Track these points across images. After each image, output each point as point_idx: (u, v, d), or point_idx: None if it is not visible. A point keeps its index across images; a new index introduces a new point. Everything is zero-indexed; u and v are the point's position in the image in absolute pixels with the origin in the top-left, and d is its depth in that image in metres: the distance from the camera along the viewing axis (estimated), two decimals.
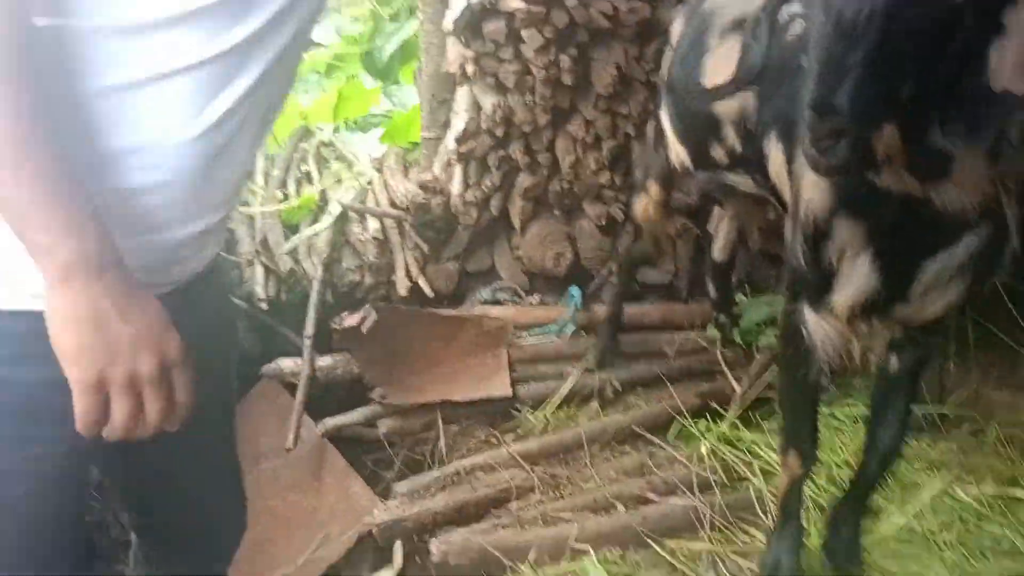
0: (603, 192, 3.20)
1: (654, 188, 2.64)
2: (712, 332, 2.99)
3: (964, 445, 2.34)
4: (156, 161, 1.06)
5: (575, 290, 3.10)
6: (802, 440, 1.87)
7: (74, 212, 0.95)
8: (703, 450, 2.41)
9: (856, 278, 1.56)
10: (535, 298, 3.23)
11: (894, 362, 1.81)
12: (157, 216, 1.10)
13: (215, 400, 1.38)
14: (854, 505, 2.00)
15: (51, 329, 0.96)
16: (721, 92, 1.72)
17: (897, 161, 1.32)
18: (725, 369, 2.83)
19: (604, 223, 3.19)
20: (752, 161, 1.96)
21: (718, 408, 2.66)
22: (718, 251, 2.96)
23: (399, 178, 3.34)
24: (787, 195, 1.80)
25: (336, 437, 2.67)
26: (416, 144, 3.65)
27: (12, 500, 1.16)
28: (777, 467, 2.15)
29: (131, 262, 1.02)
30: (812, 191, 1.58)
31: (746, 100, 1.89)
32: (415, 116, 3.68)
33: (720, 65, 2.00)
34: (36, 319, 0.97)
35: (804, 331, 1.70)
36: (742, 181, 2.12)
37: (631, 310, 3.05)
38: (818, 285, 1.64)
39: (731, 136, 2.02)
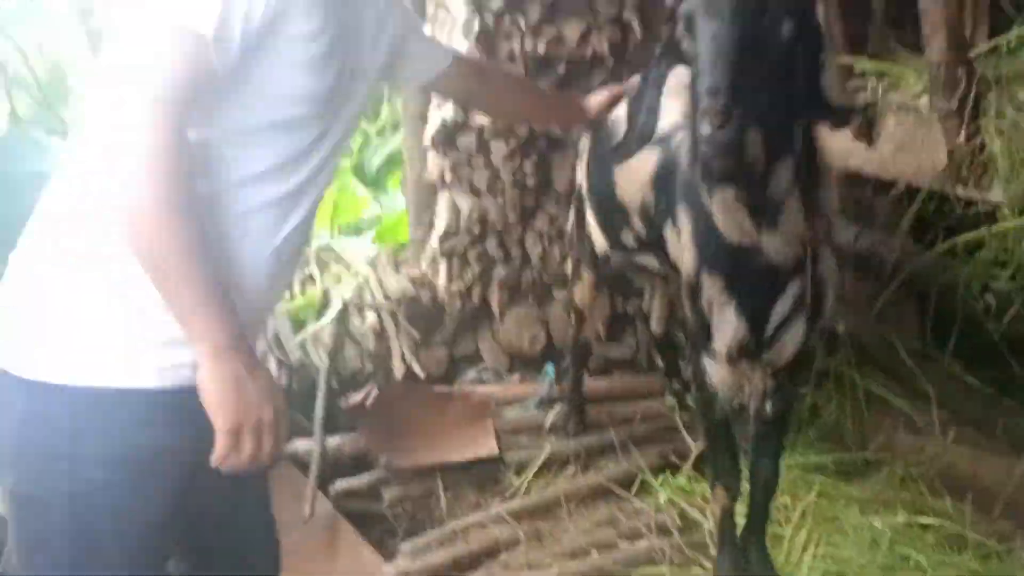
0: (568, 279, 3.64)
1: (587, 275, 3.05)
2: (669, 401, 3.38)
3: (881, 482, 2.73)
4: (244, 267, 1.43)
5: (549, 368, 3.51)
6: (726, 476, 2.25)
7: (222, 307, 1.31)
8: (662, 500, 2.79)
9: (725, 325, 1.96)
10: (515, 377, 3.63)
11: (767, 407, 2.15)
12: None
13: None
14: (754, 534, 2.33)
15: (203, 390, 1.31)
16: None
17: (740, 210, 1.72)
18: (682, 430, 3.21)
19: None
20: (654, 244, 2.37)
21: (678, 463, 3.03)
22: (655, 324, 3.36)
23: (391, 275, 3.77)
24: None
25: (345, 511, 3.00)
26: (405, 244, 4.10)
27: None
28: None
29: None
30: (685, 253, 1.99)
31: (646, 194, 2.31)
32: (403, 219, 4.13)
33: (627, 171, 2.46)
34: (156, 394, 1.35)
35: (706, 376, 2.10)
36: (648, 261, 2.54)
37: (599, 383, 3.45)
38: (703, 334, 2.03)
39: (637, 224, 2.45)
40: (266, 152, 1.40)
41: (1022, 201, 2.17)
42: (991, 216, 2.33)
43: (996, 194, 2.26)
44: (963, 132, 2.25)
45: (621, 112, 2.59)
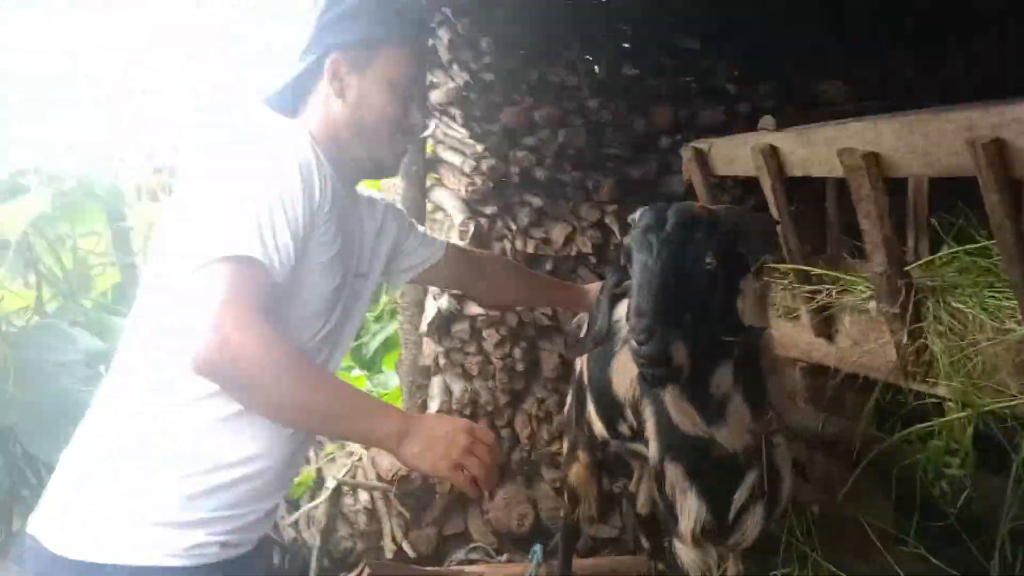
0: (556, 459, 3.82)
1: (582, 455, 3.24)
2: None
3: None
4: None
5: (537, 547, 3.61)
6: None
7: (370, 406, 1.51)
8: None
9: (688, 509, 2.16)
10: (504, 557, 3.74)
11: None
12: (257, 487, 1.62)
13: None
14: None
15: (418, 467, 1.48)
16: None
17: (686, 406, 1.94)
18: None
19: (559, 486, 3.78)
20: (643, 432, 2.60)
21: None
22: (640, 505, 3.51)
23: (383, 456, 3.93)
24: None
25: None
26: None
27: None
28: None
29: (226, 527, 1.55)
30: (650, 443, 2.21)
31: (635, 389, 2.55)
32: (396, 396, 4.33)
33: (623, 367, 2.71)
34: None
35: (678, 558, 2.28)
36: (642, 449, 2.74)
37: (586, 563, 3.56)
38: (670, 518, 2.22)
39: (629, 416, 2.67)
40: None
41: (963, 396, 2.40)
42: (940, 407, 2.57)
43: (941, 390, 2.51)
44: (905, 334, 2.52)
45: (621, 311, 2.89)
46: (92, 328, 3.37)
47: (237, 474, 1.58)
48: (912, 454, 2.72)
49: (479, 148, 3.64)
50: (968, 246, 2.55)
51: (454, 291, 3.51)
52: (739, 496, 2.13)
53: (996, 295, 2.42)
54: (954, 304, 2.46)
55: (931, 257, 2.61)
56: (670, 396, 2.01)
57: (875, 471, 2.98)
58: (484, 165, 3.63)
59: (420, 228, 2.09)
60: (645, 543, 3.45)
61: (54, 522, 1.57)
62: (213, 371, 1.42)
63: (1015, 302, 2.25)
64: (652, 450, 2.24)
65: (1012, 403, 2.32)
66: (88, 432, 1.62)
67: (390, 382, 4.69)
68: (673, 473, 2.18)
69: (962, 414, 2.45)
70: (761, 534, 2.19)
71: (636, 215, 1.97)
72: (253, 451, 1.59)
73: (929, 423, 2.56)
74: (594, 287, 2.48)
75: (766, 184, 2.99)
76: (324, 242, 1.61)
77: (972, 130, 2.13)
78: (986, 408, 2.38)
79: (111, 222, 3.71)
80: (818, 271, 2.93)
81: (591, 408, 3.04)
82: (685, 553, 2.27)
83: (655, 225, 1.87)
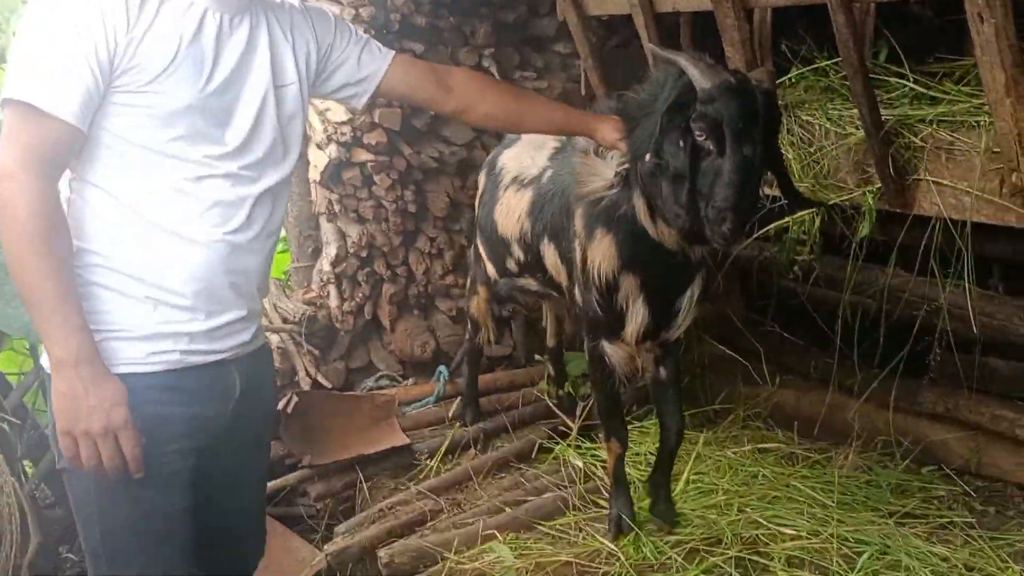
0: (450, 291, 4.15)
1: (481, 290, 3.59)
2: (542, 385, 3.94)
3: (729, 425, 3.42)
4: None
5: (442, 368, 3.99)
6: (617, 430, 2.82)
7: (67, 326, 1.58)
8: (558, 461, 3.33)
9: (636, 315, 2.54)
10: (410, 381, 4.09)
11: (661, 372, 2.75)
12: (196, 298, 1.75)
13: (266, 438, 2.14)
14: (662, 476, 2.86)
15: (52, 401, 1.61)
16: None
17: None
18: (559, 413, 3.76)
19: (455, 314, 4.13)
20: (532, 265, 2.96)
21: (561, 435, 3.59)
22: (549, 339, 3.92)
23: (286, 300, 4.13)
24: (562, 280, 2.79)
25: (276, 516, 3.33)
26: (286, 275, 4.47)
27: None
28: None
29: (195, 328, 1.74)
30: (602, 260, 2.51)
31: (524, 224, 2.89)
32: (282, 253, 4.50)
33: (505, 210, 3.03)
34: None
35: (606, 356, 2.65)
36: (527, 282, 3.12)
37: (486, 377, 3.97)
38: (611, 324, 2.58)
39: (516, 251, 3.02)
40: (188, 162, 1.72)
41: (812, 194, 2.89)
42: (794, 209, 3.06)
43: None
44: None
45: (507, 161, 3.16)
46: None
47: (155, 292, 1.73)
48: (769, 249, 3.24)
49: None
50: (812, 66, 2.99)
51: (419, 106, 3.50)
52: (683, 301, 2.51)
53: (837, 107, 2.89)
54: (803, 117, 2.92)
55: (782, 78, 3.03)
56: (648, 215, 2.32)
57: (733, 271, 3.51)
58: (364, 13, 3.72)
59: (365, 39, 2.06)
60: (551, 370, 3.87)
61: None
62: None
63: (855, 111, 2.72)
64: (607, 263, 2.48)
65: (851, 195, 2.83)
66: None
67: None
68: (628, 284, 2.48)
69: (811, 209, 2.95)
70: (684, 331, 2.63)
71: (716, 88, 2.06)
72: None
73: (783, 220, 3.05)
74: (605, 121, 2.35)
75: (639, 21, 3.31)
76: (146, 59, 1.64)
77: None
78: (831, 202, 2.89)
79: None
80: None
81: (482, 251, 3.37)
82: (616, 352, 2.63)
83: (749, 113, 2.05)
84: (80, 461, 1.64)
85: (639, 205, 2.32)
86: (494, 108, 2.20)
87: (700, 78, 2.09)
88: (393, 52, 2.08)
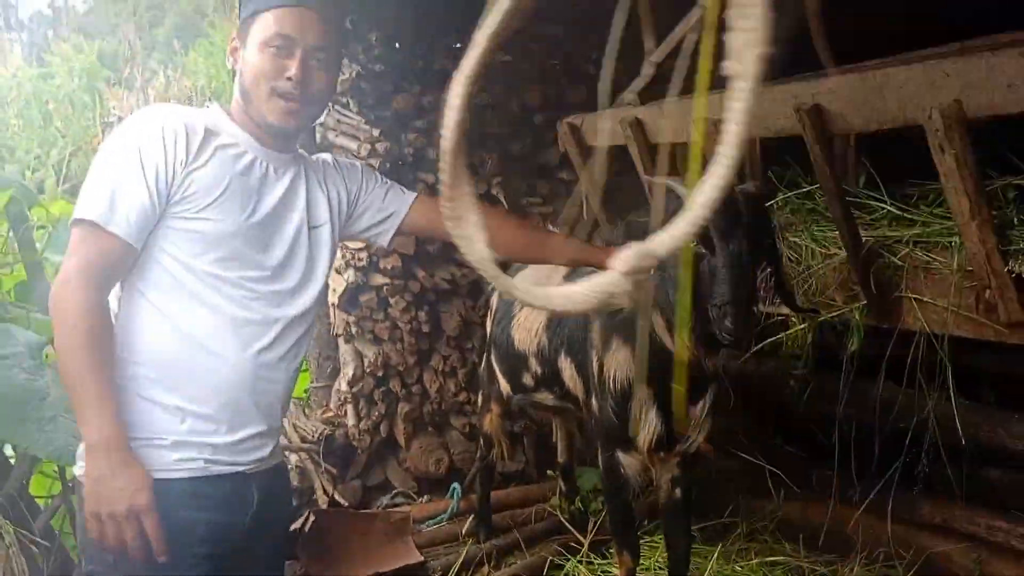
0: (464, 408, 4.27)
1: (495, 407, 3.71)
2: (554, 501, 4.01)
3: (737, 539, 3.46)
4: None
5: (456, 485, 4.07)
6: (629, 543, 2.88)
7: (101, 416, 1.74)
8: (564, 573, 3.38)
9: (649, 424, 2.62)
10: (424, 498, 4.17)
11: (676, 492, 2.81)
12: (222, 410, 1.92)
13: (282, 553, 2.24)
14: None
15: (82, 484, 1.77)
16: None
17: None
18: (571, 528, 3.82)
19: (468, 430, 4.24)
20: (549, 379, 3.08)
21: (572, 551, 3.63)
22: (560, 455, 4.02)
23: (305, 420, 4.27)
24: (579, 393, 2.90)
25: None
26: (306, 395, 4.62)
27: None
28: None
29: (218, 440, 1.88)
30: (616, 371, 2.63)
31: (541, 338, 3.03)
32: (303, 374, 4.66)
33: (522, 327, 3.18)
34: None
35: (620, 467, 2.73)
36: (543, 396, 3.24)
37: (498, 494, 4.04)
38: (622, 433, 2.67)
39: (533, 365, 3.16)
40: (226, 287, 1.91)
41: (801, 310, 3.02)
42: (786, 323, 3.19)
43: (785, 308, 3.13)
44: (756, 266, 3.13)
45: (522, 278, 3.33)
46: (14, 323, 3.53)
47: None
48: (766, 365, 3.35)
49: (374, 132, 4.00)
50: (797, 191, 3.17)
51: (445, 240, 3.63)
52: (700, 408, 2.58)
53: (822, 228, 3.05)
54: (791, 238, 3.08)
55: (771, 202, 3.21)
56: (665, 327, 2.42)
57: (739, 386, 3.62)
58: (380, 148, 3.99)
59: (388, 183, 2.27)
60: (563, 486, 3.95)
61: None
62: (50, 310, 1.78)
63: (837, 232, 2.87)
64: (622, 372, 2.61)
65: (839, 312, 2.96)
66: None
67: None
68: (643, 393, 2.57)
69: (803, 325, 3.08)
70: (703, 444, 2.70)
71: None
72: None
73: (778, 335, 3.18)
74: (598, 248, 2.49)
75: (634, 151, 3.53)
76: (200, 190, 1.86)
77: (797, 99, 2.72)
78: (821, 319, 3.01)
79: (15, 225, 3.85)
80: None
81: (496, 368, 3.50)
82: (631, 462, 2.72)
83: (731, 213, 2.19)
84: (107, 541, 1.77)
85: (656, 319, 2.44)
86: (512, 241, 2.29)
87: (684, 192, 2.25)
88: (416, 193, 2.28)
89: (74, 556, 3.00)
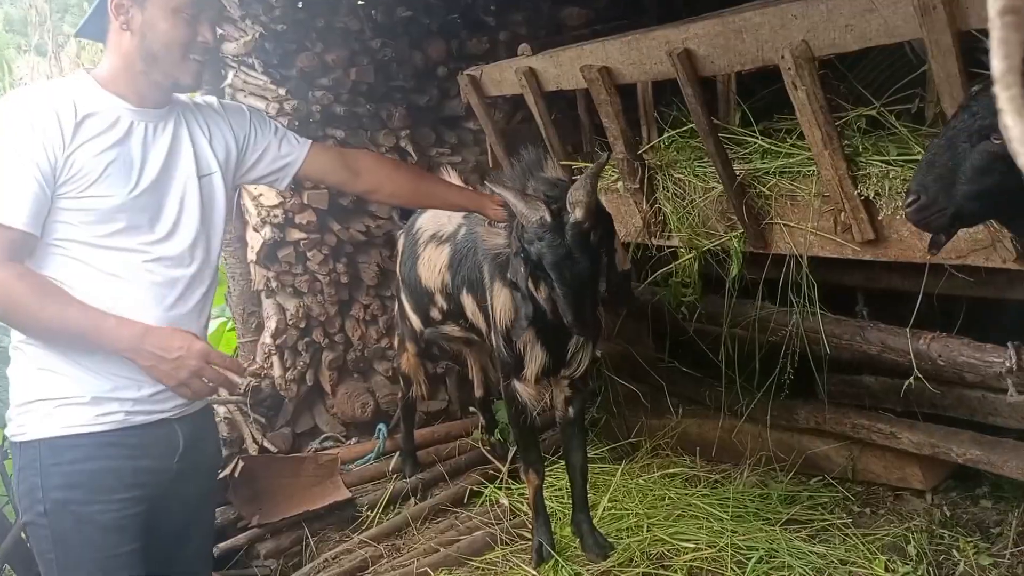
0: (386, 353, 4.46)
1: (410, 346, 3.91)
2: (476, 434, 4.25)
3: (641, 456, 3.74)
4: None
5: (382, 426, 4.27)
6: (534, 463, 3.13)
7: (108, 328, 1.87)
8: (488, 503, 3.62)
9: (534, 358, 2.89)
10: (353, 440, 4.36)
11: (570, 411, 3.08)
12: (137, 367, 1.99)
13: (210, 492, 2.39)
14: (580, 512, 3.13)
15: (151, 375, 1.90)
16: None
17: None
18: (491, 458, 4.06)
19: (391, 374, 4.43)
20: (455, 312, 3.29)
21: (493, 480, 3.88)
22: (476, 389, 4.23)
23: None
24: (481, 326, 3.13)
25: None
26: (235, 353, 4.75)
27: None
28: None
29: (136, 395, 1.98)
30: (502, 310, 2.88)
31: (444, 276, 3.23)
32: (222, 329, 4.79)
33: (426, 265, 3.37)
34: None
35: (517, 395, 2.99)
36: (451, 328, 3.45)
37: (423, 432, 4.26)
38: (515, 365, 2.93)
39: (439, 300, 3.36)
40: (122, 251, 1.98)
41: (689, 242, 3.27)
42: (675, 255, 3.44)
43: (674, 240, 3.37)
44: (646, 202, 3.35)
45: (424, 221, 3.50)
46: None
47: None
48: (660, 293, 3.61)
49: (281, 91, 4.09)
50: (679, 129, 3.39)
51: (333, 189, 3.82)
52: (574, 342, 2.88)
53: (704, 165, 3.28)
54: (676, 175, 3.31)
55: (654, 142, 3.43)
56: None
57: (636, 314, 3.87)
58: (287, 106, 4.09)
59: (283, 132, 2.33)
60: (483, 419, 4.18)
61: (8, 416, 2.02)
62: None
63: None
64: (503, 317, 2.88)
65: (721, 240, 3.21)
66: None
67: (224, 313, 5.11)
68: (525, 335, 2.85)
69: (689, 255, 3.33)
70: (587, 369, 3.00)
71: (536, 228, 2.48)
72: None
73: (668, 266, 3.43)
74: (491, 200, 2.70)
75: (530, 100, 3.71)
76: (82, 169, 1.91)
77: (669, 44, 2.93)
78: (705, 248, 3.26)
79: None
80: (578, 164, 3.72)
81: (407, 305, 3.70)
82: (525, 390, 2.98)
83: (565, 247, 2.48)
84: (201, 393, 1.95)
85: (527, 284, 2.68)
86: (398, 188, 2.52)
87: (524, 213, 2.51)
88: (310, 141, 2.37)
89: (9, 515, 3.12)
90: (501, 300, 2.90)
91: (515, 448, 3.89)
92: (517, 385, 2.98)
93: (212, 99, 2.31)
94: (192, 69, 2.02)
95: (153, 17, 1.98)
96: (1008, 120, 0.54)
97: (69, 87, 2.00)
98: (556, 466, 3.75)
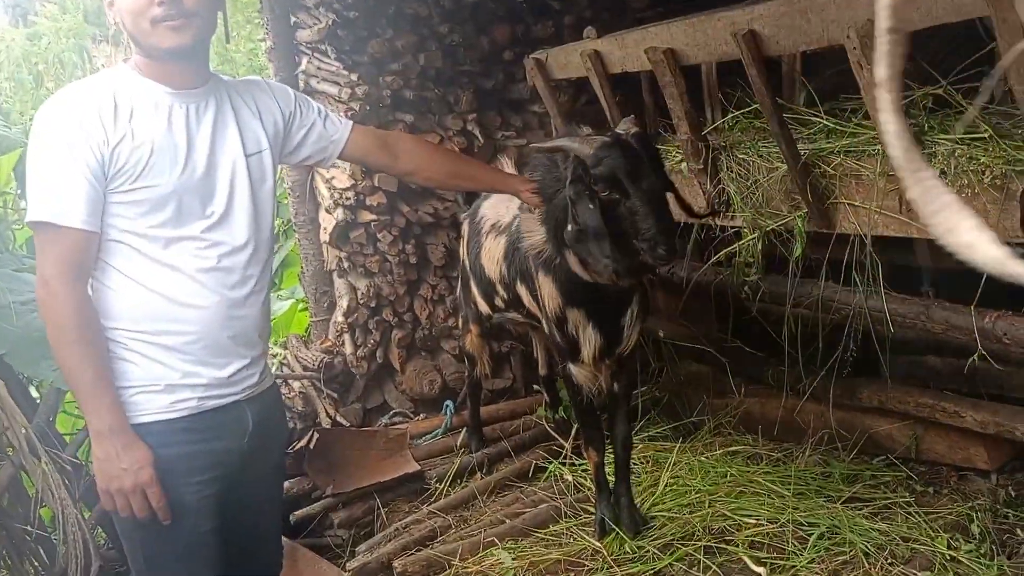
0: (453, 332, 4.57)
1: (473, 327, 4.01)
2: (540, 411, 4.34)
3: (703, 435, 3.80)
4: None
5: (449, 403, 4.40)
6: (595, 440, 3.21)
7: (102, 402, 1.93)
8: (553, 478, 3.71)
9: (588, 340, 2.96)
10: (421, 415, 4.50)
11: (616, 387, 3.15)
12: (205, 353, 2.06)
13: (280, 465, 2.52)
14: (621, 484, 3.20)
15: (95, 462, 1.96)
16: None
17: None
18: (554, 434, 4.15)
19: (458, 352, 4.55)
20: (514, 302, 3.38)
21: (557, 455, 3.97)
22: (541, 368, 4.33)
23: (306, 351, 4.58)
24: (538, 314, 3.21)
25: (306, 546, 3.72)
26: (307, 332, 4.93)
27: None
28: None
29: (207, 379, 2.06)
30: (549, 299, 2.97)
31: (502, 267, 3.31)
32: (294, 310, 4.96)
33: (488, 256, 3.45)
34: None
35: (573, 377, 3.07)
36: (514, 316, 3.53)
37: (489, 408, 4.37)
38: (570, 350, 3.01)
39: (501, 291, 3.45)
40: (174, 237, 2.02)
41: (752, 222, 3.29)
42: (738, 234, 3.46)
43: (737, 220, 3.40)
44: (709, 183, 3.39)
45: (487, 210, 3.59)
46: (29, 272, 3.82)
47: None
48: (723, 274, 3.64)
49: (353, 77, 4.22)
50: (743, 110, 3.41)
51: (372, 169, 3.93)
52: (627, 319, 2.92)
53: (768, 145, 3.30)
54: (739, 155, 3.33)
55: (718, 123, 3.46)
56: (580, 265, 2.76)
57: (700, 294, 3.91)
58: (359, 91, 4.22)
59: (324, 112, 2.34)
60: (546, 397, 4.28)
61: None
62: (40, 312, 1.97)
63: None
64: (553, 302, 2.96)
65: (784, 220, 3.23)
66: None
67: (296, 293, 5.30)
68: (575, 316, 2.93)
69: (753, 235, 3.35)
70: (636, 343, 3.04)
71: (598, 151, 2.50)
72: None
73: (731, 246, 3.45)
74: (514, 176, 2.93)
75: (595, 81, 3.77)
76: (129, 161, 1.94)
77: (734, 25, 2.95)
78: (768, 228, 3.29)
79: (23, 183, 4.11)
80: None
81: (474, 289, 3.79)
82: (580, 372, 3.05)
83: (634, 156, 2.50)
84: (120, 512, 2.02)
85: (571, 259, 2.76)
86: (436, 171, 2.58)
87: (581, 149, 2.54)
88: (351, 122, 2.40)
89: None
90: (547, 291, 2.98)
91: (576, 426, 3.99)
92: (572, 368, 3.06)
93: (258, 78, 2.34)
94: (164, 33, 1.95)
95: None
96: (883, 117, 0.62)
97: (109, 80, 2.03)
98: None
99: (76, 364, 1.95)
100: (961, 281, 3.26)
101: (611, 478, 3.27)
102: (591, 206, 2.53)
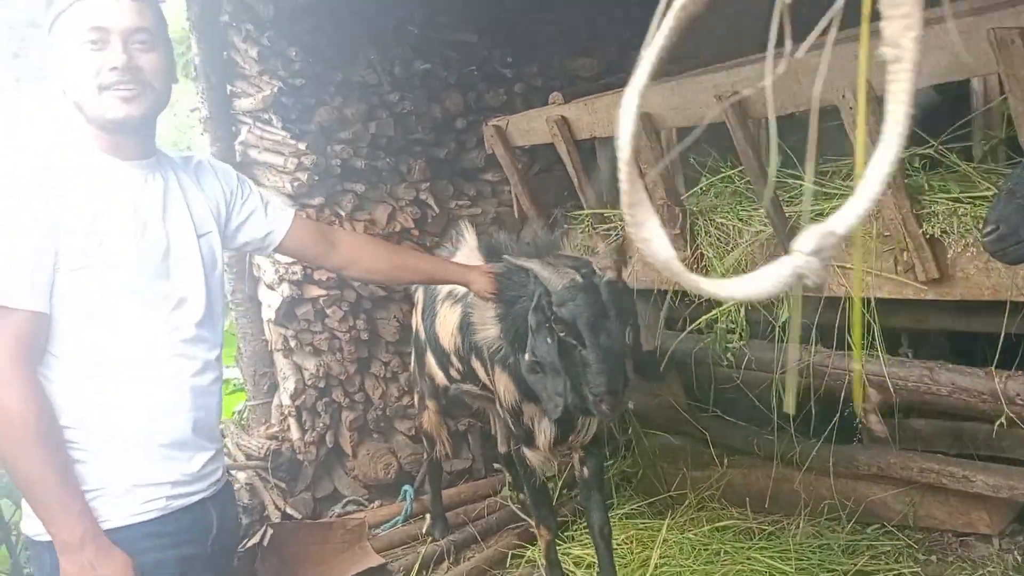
0: (408, 411, 4.33)
1: (431, 403, 3.79)
2: (504, 492, 4.12)
3: (685, 509, 3.65)
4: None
5: (407, 487, 4.12)
6: (545, 519, 3.12)
7: (68, 513, 1.67)
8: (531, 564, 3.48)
9: (543, 430, 2.86)
10: (376, 503, 4.20)
11: (585, 471, 3.03)
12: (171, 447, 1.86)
13: (232, 560, 2.23)
14: (606, 570, 3.01)
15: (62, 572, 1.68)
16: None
17: None
18: (523, 516, 3.93)
19: (414, 433, 4.29)
20: (469, 375, 3.21)
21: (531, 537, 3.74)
22: (500, 445, 4.11)
23: (247, 438, 4.24)
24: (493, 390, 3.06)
25: None
26: (234, 415, 4.61)
27: None
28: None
29: (175, 476, 1.84)
30: (505, 391, 2.87)
31: (456, 338, 3.14)
32: (225, 390, 4.62)
33: (443, 325, 3.28)
34: None
35: (527, 460, 2.97)
36: (470, 388, 3.36)
37: (449, 492, 4.11)
38: (526, 437, 2.93)
39: (455, 361, 3.27)
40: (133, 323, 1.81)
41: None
42: (718, 301, 3.38)
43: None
44: (687, 248, 3.31)
45: None
46: None
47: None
48: (703, 341, 3.54)
49: (300, 146, 4.01)
50: (720, 175, 3.37)
51: (308, 263, 3.69)
52: (581, 427, 2.87)
53: (746, 208, 3.25)
54: (717, 220, 3.27)
55: (697, 188, 3.40)
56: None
57: (671, 365, 3.79)
58: (307, 160, 4.01)
59: (264, 196, 2.17)
60: (508, 477, 4.07)
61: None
62: None
63: (762, 210, 3.08)
64: (509, 395, 2.87)
65: None
66: None
67: (230, 376, 4.95)
68: (530, 409, 2.86)
69: (736, 301, 3.27)
70: (595, 435, 2.97)
71: (565, 291, 2.43)
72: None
73: (712, 312, 3.36)
74: (476, 271, 2.69)
75: (561, 148, 3.68)
76: (77, 233, 1.73)
77: (717, 87, 2.91)
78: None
79: None
80: (611, 212, 3.67)
81: (430, 359, 3.58)
82: (535, 456, 2.98)
83: (599, 307, 2.41)
84: None
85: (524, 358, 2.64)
86: (373, 264, 2.40)
87: (551, 281, 2.45)
88: (293, 211, 2.23)
89: None
90: (503, 384, 2.90)
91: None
92: (527, 451, 2.99)
93: (201, 157, 2.14)
94: (112, 101, 1.76)
95: (63, 56, 1.79)
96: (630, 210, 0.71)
97: (57, 147, 1.84)
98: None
99: (36, 467, 1.67)
100: (935, 342, 3.26)
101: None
102: (549, 341, 2.48)
